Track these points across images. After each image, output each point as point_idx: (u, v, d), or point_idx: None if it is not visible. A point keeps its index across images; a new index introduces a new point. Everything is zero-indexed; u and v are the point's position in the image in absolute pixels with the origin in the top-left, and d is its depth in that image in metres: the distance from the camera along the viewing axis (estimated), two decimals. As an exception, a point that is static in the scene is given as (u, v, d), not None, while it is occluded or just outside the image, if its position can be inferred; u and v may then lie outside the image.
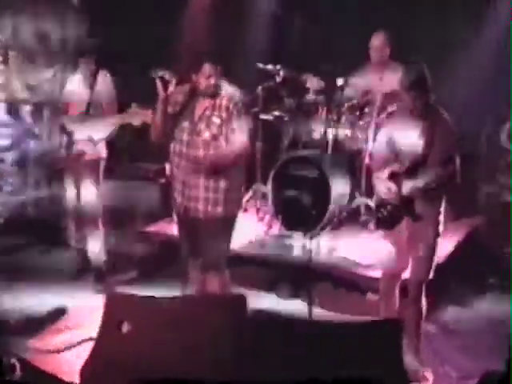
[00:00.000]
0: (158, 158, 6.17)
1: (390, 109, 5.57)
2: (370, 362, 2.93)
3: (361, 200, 5.75)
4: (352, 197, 5.80)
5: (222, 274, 4.14)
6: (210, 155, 3.88)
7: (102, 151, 5.12)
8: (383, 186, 3.93)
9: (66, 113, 5.16)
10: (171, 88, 3.87)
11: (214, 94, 3.95)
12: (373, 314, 4.30)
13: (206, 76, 3.88)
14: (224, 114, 3.91)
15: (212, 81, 3.89)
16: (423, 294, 4.05)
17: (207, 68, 3.88)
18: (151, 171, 6.27)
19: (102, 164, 5.14)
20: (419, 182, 3.82)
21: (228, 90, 3.99)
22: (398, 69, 5.34)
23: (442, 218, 4.02)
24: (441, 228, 4.02)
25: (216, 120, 3.90)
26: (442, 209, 4.01)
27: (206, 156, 3.88)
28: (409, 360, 3.64)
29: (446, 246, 5.20)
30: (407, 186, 3.85)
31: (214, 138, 3.91)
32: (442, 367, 4.15)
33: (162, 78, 3.85)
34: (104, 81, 5.04)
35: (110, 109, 5.03)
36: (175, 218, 4.26)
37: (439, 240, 4.04)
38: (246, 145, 3.95)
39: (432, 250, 4.00)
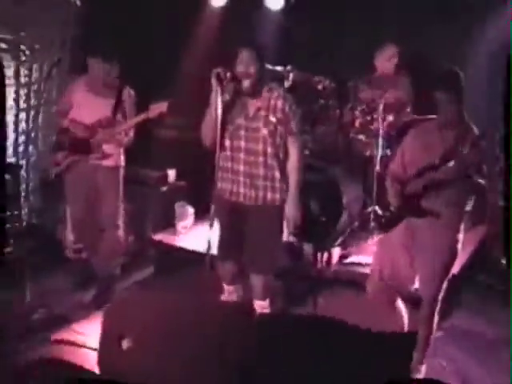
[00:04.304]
0: (159, 165, 6.23)
1: (389, 119, 5.66)
2: (377, 372, 2.88)
3: (371, 208, 5.65)
4: (364, 205, 5.74)
5: (267, 276, 4.22)
6: None
7: (121, 159, 5.04)
8: (392, 189, 3.97)
9: (66, 115, 5.00)
10: (225, 82, 3.99)
11: (256, 85, 4.05)
12: (381, 318, 4.19)
13: (243, 63, 4.00)
14: (279, 115, 4.09)
15: (251, 69, 4.00)
16: (437, 310, 3.96)
17: (244, 55, 4.00)
18: (153, 178, 6.18)
19: (122, 172, 5.03)
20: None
21: (280, 92, 4.14)
22: (404, 80, 5.60)
23: (462, 226, 3.90)
24: (461, 237, 3.90)
25: (272, 119, 4.09)
26: (462, 225, 3.89)
27: None
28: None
29: (462, 257, 5.07)
30: (415, 185, 3.82)
31: (271, 134, 4.10)
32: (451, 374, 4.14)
33: (217, 75, 3.95)
34: (129, 97, 4.94)
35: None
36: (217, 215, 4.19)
37: (458, 252, 3.91)
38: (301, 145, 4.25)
39: (448, 262, 3.87)
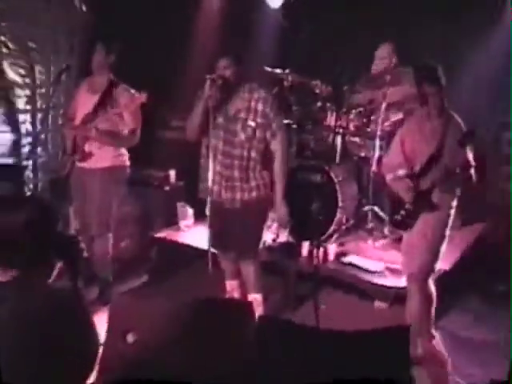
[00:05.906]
0: (162, 165, 6.28)
1: (393, 118, 5.67)
2: (376, 368, 2.82)
3: (368, 207, 5.72)
4: (360, 204, 5.77)
5: (255, 261, 4.40)
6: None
7: (126, 159, 4.92)
8: (401, 184, 4.07)
9: (73, 119, 4.92)
10: (215, 88, 4.10)
11: (235, 84, 4.14)
12: (380, 321, 4.24)
13: (221, 68, 4.11)
14: (259, 119, 4.14)
15: (227, 73, 4.10)
16: (431, 281, 4.11)
17: (223, 61, 4.11)
18: (157, 178, 6.23)
19: (127, 172, 4.93)
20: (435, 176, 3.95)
21: (261, 93, 4.17)
22: (404, 79, 5.47)
23: (453, 211, 4.09)
24: (450, 221, 4.08)
25: (251, 123, 4.13)
26: (454, 203, 4.10)
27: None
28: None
29: (453, 254, 5.20)
30: (425, 181, 3.99)
31: (248, 140, 4.15)
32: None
33: (212, 80, 4.07)
34: (130, 97, 4.71)
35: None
36: (208, 210, 4.36)
37: (447, 232, 4.09)
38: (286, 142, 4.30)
39: (438, 239, 4.06)
